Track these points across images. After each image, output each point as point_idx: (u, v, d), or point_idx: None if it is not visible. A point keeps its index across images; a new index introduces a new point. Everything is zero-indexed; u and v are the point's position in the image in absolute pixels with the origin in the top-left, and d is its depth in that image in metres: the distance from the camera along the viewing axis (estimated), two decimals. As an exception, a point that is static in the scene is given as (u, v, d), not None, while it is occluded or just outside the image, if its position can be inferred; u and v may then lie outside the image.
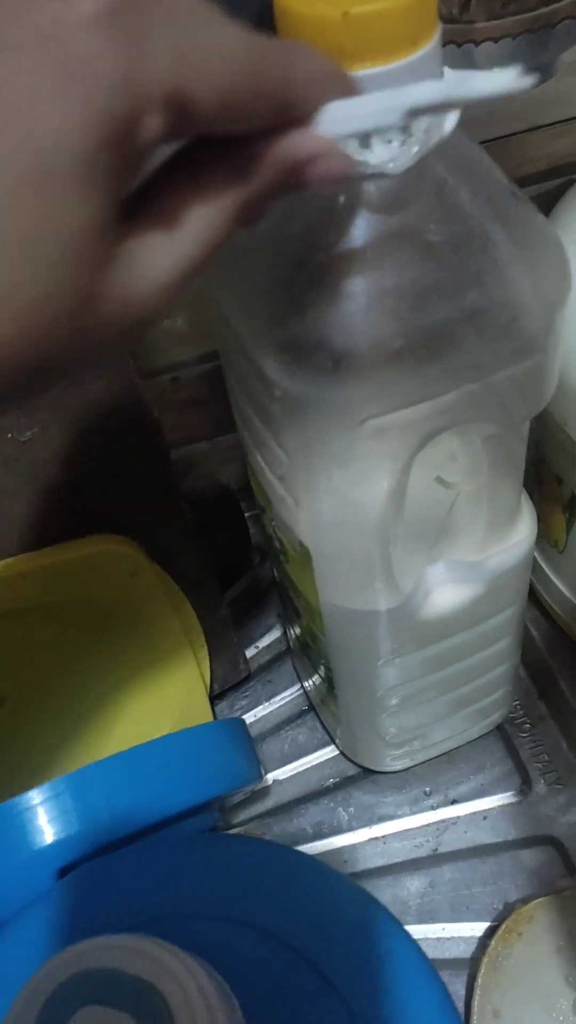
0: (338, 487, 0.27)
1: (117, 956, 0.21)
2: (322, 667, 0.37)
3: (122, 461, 0.36)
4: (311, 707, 0.45)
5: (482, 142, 0.39)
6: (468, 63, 0.34)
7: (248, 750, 0.35)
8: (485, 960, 0.35)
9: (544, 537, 0.41)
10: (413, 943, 0.26)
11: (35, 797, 0.29)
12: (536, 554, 0.43)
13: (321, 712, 0.44)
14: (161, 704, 0.41)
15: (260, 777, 0.35)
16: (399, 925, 0.27)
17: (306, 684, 0.45)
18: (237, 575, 0.49)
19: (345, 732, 0.41)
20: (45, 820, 0.29)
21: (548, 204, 0.39)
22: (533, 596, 0.45)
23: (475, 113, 0.37)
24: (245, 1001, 0.23)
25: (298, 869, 0.29)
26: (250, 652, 0.47)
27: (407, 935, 0.27)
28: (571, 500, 0.38)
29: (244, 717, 0.45)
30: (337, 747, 0.43)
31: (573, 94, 0.38)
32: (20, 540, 0.36)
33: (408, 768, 0.42)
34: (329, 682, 0.37)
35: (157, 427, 0.36)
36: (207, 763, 0.32)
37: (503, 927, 0.36)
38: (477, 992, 0.35)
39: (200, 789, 0.32)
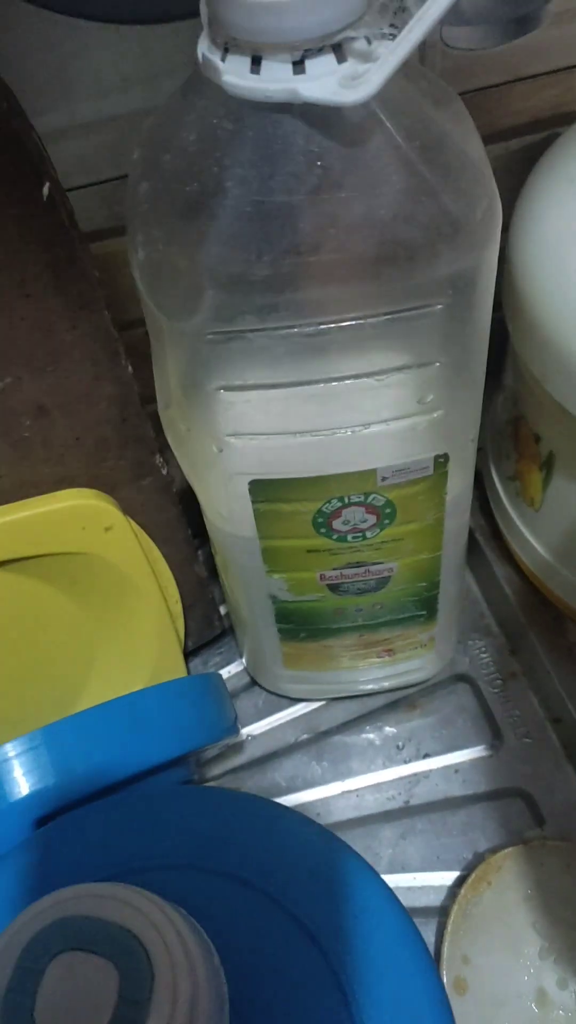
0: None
1: (96, 904, 0.21)
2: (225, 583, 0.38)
3: (95, 414, 0.36)
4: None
5: (462, 93, 0.38)
6: (454, 15, 0.33)
7: (224, 704, 0.35)
8: (455, 908, 0.36)
9: (520, 495, 0.41)
10: (388, 890, 0.27)
11: (10, 750, 0.29)
12: (511, 512, 0.43)
13: (235, 628, 0.44)
14: (135, 660, 0.41)
15: (237, 731, 0.35)
16: (374, 872, 0.27)
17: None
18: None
19: (247, 649, 0.42)
20: (21, 772, 0.29)
21: (531, 159, 0.38)
22: (507, 553, 0.45)
23: (456, 63, 0.37)
24: (223, 948, 0.23)
25: (274, 818, 0.29)
26: (225, 608, 0.47)
27: (382, 882, 0.27)
28: (549, 458, 0.38)
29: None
30: (245, 667, 0.45)
31: (558, 45, 0.38)
32: (-8, 493, 0.36)
33: (323, 701, 0.43)
34: (236, 608, 0.38)
35: (129, 378, 0.36)
36: (183, 717, 0.32)
37: (473, 876, 0.37)
38: (447, 939, 0.36)
39: (176, 743, 0.32)
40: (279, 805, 0.29)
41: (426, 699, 0.43)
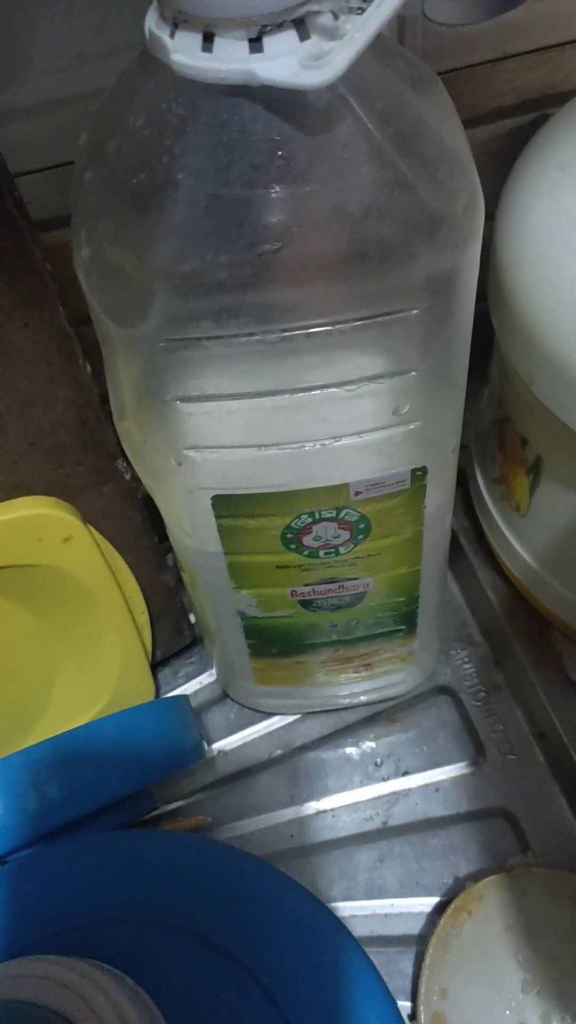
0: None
1: (26, 986, 0.19)
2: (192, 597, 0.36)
3: (51, 418, 0.33)
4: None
5: (447, 71, 0.36)
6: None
7: (190, 730, 0.32)
8: (433, 939, 0.34)
9: (506, 500, 0.39)
10: (358, 949, 0.25)
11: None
12: (496, 516, 0.41)
13: (204, 640, 0.42)
14: (98, 676, 0.39)
15: (202, 756, 0.33)
16: (342, 927, 0.25)
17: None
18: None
19: (217, 662, 0.41)
20: (-36, 813, 0.27)
21: (518, 143, 0.36)
22: (491, 558, 0.43)
23: (439, 40, 0.35)
24: (175, 1012, 0.21)
25: (234, 868, 0.27)
26: (194, 616, 0.45)
27: (351, 939, 0.25)
28: (536, 462, 0.36)
29: (189, 684, 0.43)
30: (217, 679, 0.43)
31: (548, 20, 0.35)
32: None
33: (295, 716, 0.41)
34: (204, 622, 0.36)
35: (88, 379, 0.33)
36: (145, 746, 0.30)
37: (453, 906, 0.35)
38: (425, 971, 0.34)
39: (137, 775, 0.30)
40: (239, 852, 0.27)
41: (406, 712, 0.41)
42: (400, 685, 0.40)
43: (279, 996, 0.23)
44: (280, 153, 0.21)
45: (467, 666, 0.42)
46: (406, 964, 0.36)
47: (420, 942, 0.36)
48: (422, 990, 0.34)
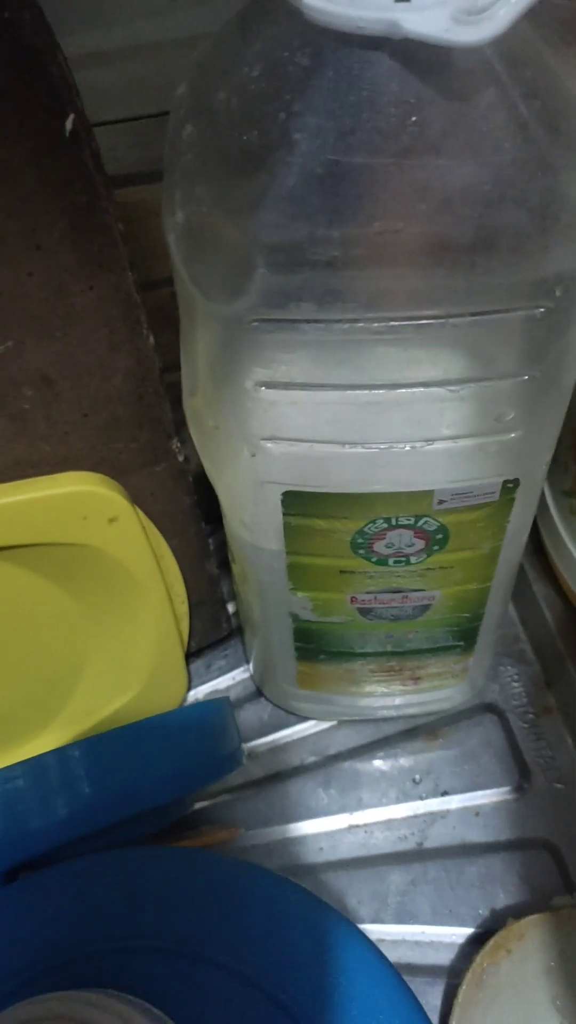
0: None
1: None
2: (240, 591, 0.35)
3: (108, 389, 0.31)
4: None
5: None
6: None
7: (230, 737, 0.30)
8: (468, 975, 0.32)
9: (574, 514, 0.37)
10: (392, 973, 0.23)
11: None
12: (561, 530, 0.38)
13: (244, 635, 0.40)
14: (132, 662, 0.37)
15: (240, 763, 0.31)
16: (375, 951, 0.23)
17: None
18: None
19: (256, 660, 0.39)
20: (-8, 812, 0.25)
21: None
22: (550, 572, 0.41)
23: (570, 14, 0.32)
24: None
25: (258, 890, 0.25)
26: (234, 607, 0.43)
27: (385, 964, 0.23)
28: (617, 478, 0.33)
29: (221, 678, 0.41)
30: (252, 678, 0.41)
31: None
32: (-17, 471, 0.31)
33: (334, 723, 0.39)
34: (249, 617, 0.34)
35: (151, 350, 0.31)
36: (184, 754, 0.28)
37: (492, 943, 0.33)
38: (457, 1009, 0.32)
39: (174, 784, 0.28)
40: (262, 872, 0.25)
41: (449, 729, 0.39)
42: (447, 701, 0.38)
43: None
44: (413, 119, 0.18)
45: (516, 685, 0.40)
46: (433, 996, 0.34)
47: (450, 974, 0.34)
48: (452, 1028, 0.32)
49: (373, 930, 0.35)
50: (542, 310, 0.21)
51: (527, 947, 0.33)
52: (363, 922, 0.35)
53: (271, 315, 0.21)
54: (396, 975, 0.23)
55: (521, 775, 0.38)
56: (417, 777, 0.38)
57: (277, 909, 0.23)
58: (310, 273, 0.20)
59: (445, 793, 0.38)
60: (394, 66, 0.18)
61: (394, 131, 0.18)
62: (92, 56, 0.30)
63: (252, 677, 0.40)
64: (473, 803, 0.38)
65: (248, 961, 0.22)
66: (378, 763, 0.39)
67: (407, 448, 0.24)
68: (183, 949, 0.22)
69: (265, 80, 0.19)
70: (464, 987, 0.32)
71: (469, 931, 0.35)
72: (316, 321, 0.21)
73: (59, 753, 0.27)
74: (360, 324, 0.21)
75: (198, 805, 0.37)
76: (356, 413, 0.23)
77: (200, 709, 0.30)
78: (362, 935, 0.23)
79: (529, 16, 0.20)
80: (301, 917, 0.23)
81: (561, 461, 0.38)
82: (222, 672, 0.41)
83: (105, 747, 0.27)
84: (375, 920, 0.35)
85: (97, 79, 0.30)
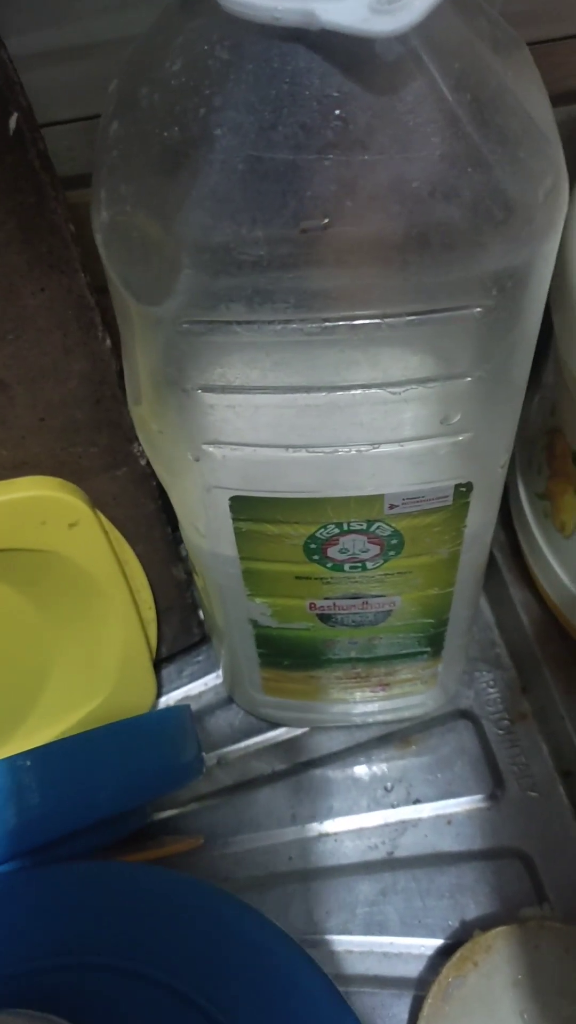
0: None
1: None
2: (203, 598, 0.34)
3: (63, 393, 0.31)
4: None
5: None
6: None
7: (189, 746, 0.30)
8: (434, 988, 0.32)
9: (550, 518, 0.36)
10: (332, 992, 0.22)
11: None
12: (536, 533, 0.38)
13: (212, 641, 0.40)
14: (98, 669, 0.36)
15: (199, 775, 0.30)
16: (316, 970, 0.23)
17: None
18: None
19: (224, 666, 0.38)
20: None
21: (598, 126, 0.33)
22: (527, 576, 0.40)
23: (521, 7, 0.31)
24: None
25: (198, 905, 0.24)
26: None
27: (326, 983, 0.22)
28: (587, 482, 0.32)
29: (193, 684, 0.41)
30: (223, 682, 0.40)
31: None
32: None
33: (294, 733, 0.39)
34: (213, 623, 0.34)
35: (107, 353, 0.31)
36: (141, 763, 0.28)
37: (458, 955, 0.32)
38: (422, 1022, 0.31)
39: (130, 793, 0.27)
40: (204, 886, 0.25)
41: (422, 735, 0.39)
42: (419, 707, 0.37)
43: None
44: (337, 113, 0.18)
45: (492, 691, 0.39)
46: (400, 1009, 0.33)
47: (418, 986, 0.33)
48: (417, 1042, 0.31)
49: (341, 941, 0.34)
50: (481, 309, 0.20)
51: (494, 960, 0.32)
52: (331, 933, 0.35)
53: (202, 316, 0.20)
54: (336, 994, 0.22)
55: (495, 783, 0.37)
56: (389, 785, 0.38)
57: (217, 925, 0.23)
58: (238, 274, 0.19)
59: (417, 801, 0.37)
60: (315, 58, 0.17)
61: (317, 126, 0.18)
62: (42, 55, 0.29)
63: (223, 683, 0.40)
64: (445, 811, 0.37)
65: (186, 978, 0.21)
66: (349, 770, 0.38)
67: (352, 452, 0.23)
68: (118, 965, 0.21)
69: (186, 74, 0.18)
70: (430, 1000, 0.32)
71: (439, 942, 0.34)
72: (248, 322, 0.20)
73: (8, 762, 0.26)
74: (293, 325, 0.20)
75: (165, 814, 0.37)
76: (296, 416, 0.22)
77: (157, 717, 0.29)
78: (303, 953, 0.23)
79: (463, 8, 0.19)
80: (241, 933, 0.23)
81: (535, 463, 0.37)
82: (194, 678, 0.41)
83: (55, 756, 0.27)
84: (343, 931, 0.35)
85: (46, 79, 0.29)
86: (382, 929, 0.35)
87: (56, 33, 0.29)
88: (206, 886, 0.24)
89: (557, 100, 0.34)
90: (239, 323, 0.20)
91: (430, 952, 0.34)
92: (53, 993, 0.20)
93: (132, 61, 0.21)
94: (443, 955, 0.34)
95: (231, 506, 0.25)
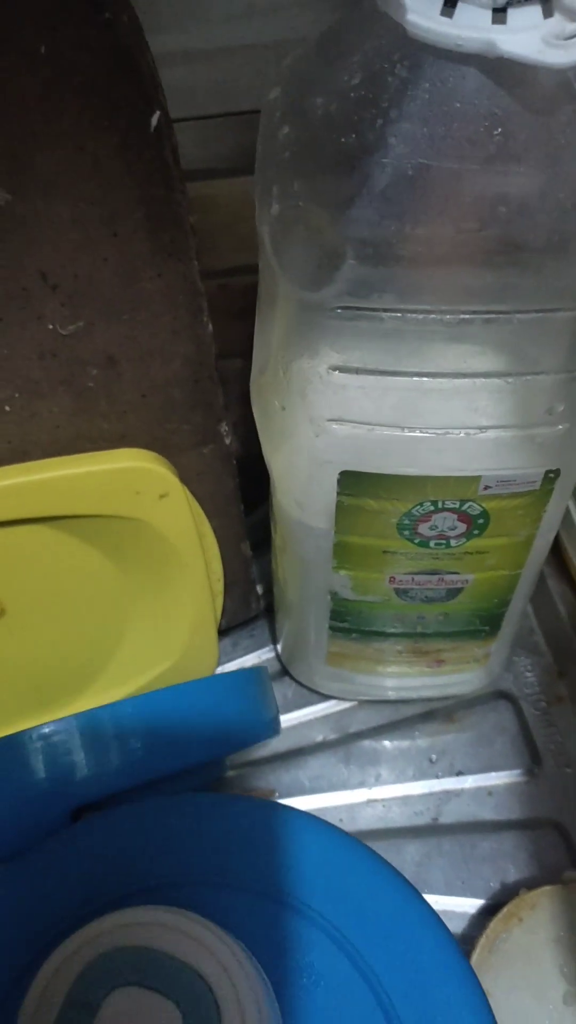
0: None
1: (158, 934, 0.19)
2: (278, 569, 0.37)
3: (167, 373, 0.33)
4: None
5: None
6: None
7: (269, 702, 0.32)
8: (482, 940, 0.34)
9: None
10: (451, 938, 0.25)
11: (48, 733, 0.27)
12: (572, 508, 0.40)
13: (277, 613, 0.42)
14: (169, 635, 0.39)
15: (278, 732, 0.33)
16: (434, 913, 0.25)
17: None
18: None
19: (287, 637, 0.40)
20: (55, 759, 0.27)
21: None
22: (565, 569, 0.43)
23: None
24: (274, 983, 0.21)
25: (323, 838, 0.27)
26: (262, 589, 0.44)
27: (444, 927, 0.25)
28: None
29: (247, 657, 0.43)
30: (277, 655, 0.43)
31: None
32: (46, 443, 0.33)
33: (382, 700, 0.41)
34: (285, 594, 0.36)
35: (209, 337, 0.33)
36: (228, 715, 0.30)
37: (505, 910, 0.35)
38: (469, 972, 0.34)
39: (220, 742, 0.29)
40: (306, 815, 0.27)
41: (464, 713, 0.41)
42: (465, 685, 0.40)
43: (372, 976, 0.23)
44: (499, 130, 0.20)
45: (529, 674, 0.42)
46: (446, 962, 0.35)
47: (462, 942, 0.36)
48: (464, 990, 0.33)
49: (390, 898, 0.37)
50: (601, 311, 0.23)
51: (538, 917, 0.35)
52: (380, 891, 0.37)
53: (354, 303, 0.22)
54: (435, 915, 0.25)
55: (532, 759, 0.40)
56: (433, 757, 0.40)
57: (331, 853, 0.25)
58: (395, 266, 0.22)
59: (460, 773, 0.40)
60: (486, 81, 0.20)
61: (481, 140, 0.20)
62: (176, 56, 0.31)
63: (279, 655, 0.42)
64: (486, 783, 0.39)
65: (304, 897, 0.24)
66: (396, 742, 0.40)
67: (462, 435, 0.26)
68: (242, 884, 0.24)
69: (365, 88, 0.21)
70: (477, 951, 0.34)
71: (480, 902, 0.37)
72: (395, 311, 0.22)
73: (111, 708, 0.29)
74: (434, 316, 0.23)
75: (229, 773, 0.39)
76: (419, 399, 0.25)
77: (242, 675, 0.32)
78: (433, 911, 0.25)
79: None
80: (352, 860, 0.25)
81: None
82: (248, 651, 0.43)
83: (156, 704, 0.29)
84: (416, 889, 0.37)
85: (177, 78, 0.32)
86: (428, 888, 0.37)
87: (188, 36, 0.31)
88: (325, 823, 0.27)
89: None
90: (388, 311, 0.22)
91: (473, 911, 0.37)
92: (186, 903, 0.22)
93: (298, 72, 0.23)
94: (484, 914, 0.36)
95: (340, 481, 0.28)
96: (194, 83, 0.32)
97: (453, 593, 0.33)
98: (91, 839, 0.25)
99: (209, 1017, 0.18)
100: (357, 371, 0.24)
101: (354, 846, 0.26)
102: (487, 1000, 0.23)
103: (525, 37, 0.19)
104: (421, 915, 0.24)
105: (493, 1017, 0.23)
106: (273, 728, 0.32)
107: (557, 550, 0.43)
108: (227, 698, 0.30)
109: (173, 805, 0.26)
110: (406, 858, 0.38)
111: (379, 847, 0.38)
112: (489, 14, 0.19)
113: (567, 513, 0.42)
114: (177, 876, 0.24)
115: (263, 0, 0.31)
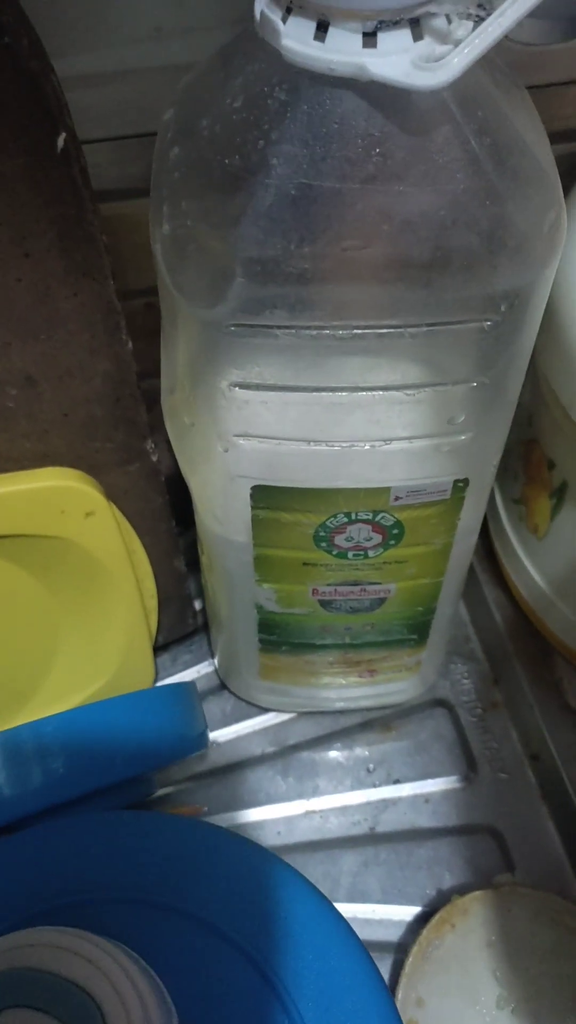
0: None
1: (45, 955, 0.19)
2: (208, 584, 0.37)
3: (87, 391, 0.33)
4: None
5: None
6: None
7: (196, 717, 0.32)
8: (415, 948, 0.34)
9: (524, 521, 0.39)
10: (360, 947, 0.25)
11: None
12: (511, 536, 0.41)
13: (211, 628, 0.42)
14: (102, 654, 0.39)
15: (206, 746, 0.33)
16: (345, 923, 0.25)
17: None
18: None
19: (221, 652, 0.41)
20: (-29, 779, 0.27)
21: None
22: (500, 577, 0.44)
23: (511, 58, 0.35)
24: (177, 998, 0.21)
25: (236, 853, 0.27)
26: (200, 604, 0.44)
27: (354, 936, 0.25)
28: (561, 487, 0.36)
29: (186, 672, 0.43)
30: (216, 669, 0.43)
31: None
32: (-34, 464, 0.33)
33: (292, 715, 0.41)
34: (216, 610, 0.36)
35: (128, 355, 0.33)
36: (153, 731, 0.30)
37: (437, 917, 0.35)
38: (403, 979, 0.34)
39: (144, 759, 0.29)
40: (239, 837, 0.27)
41: (401, 721, 0.41)
42: (401, 694, 0.40)
43: (282, 988, 0.23)
44: (377, 150, 0.21)
45: (466, 681, 0.43)
46: (383, 971, 0.36)
47: (398, 950, 0.36)
48: (399, 997, 0.34)
49: (327, 909, 0.37)
50: (490, 323, 0.23)
51: (470, 922, 0.35)
52: (317, 902, 0.37)
53: (247, 321, 0.23)
54: (345, 924, 0.25)
55: (468, 765, 0.40)
56: (371, 766, 0.40)
57: (243, 867, 0.25)
58: (283, 284, 0.22)
59: (397, 781, 0.40)
60: (361, 103, 0.20)
61: (360, 160, 0.21)
62: (83, 78, 0.32)
63: (216, 670, 0.42)
64: (423, 791, 0.40)
65: (215, 912, 0.24)
66: (334, 753, 0.41)
67: (367, 447, 0.26)
68: (154, 900, 0.24)
69: (246, 111, 0.21)
70: (410, 959, 0.34)
71: (417, 909, 0.37)
72: (288, 327, 0.23)
73: (33, 726, 0.29)
74: (327, 331, 0.23)
75: (162, 791, 0.39)
76: (321, 413, 0.25)
77: (169, 690, 0.32)
78: (344, 921, 0.25)
79: (482, 62, 0.22)
80: (265, 874, 0.25)
81: (511, 470, 0.41)
82: (187, 666, 0.43)
83: (78, 721, 0.29)
84: (329, 899, 0.37)
85: (86, 100, 0.32)
86: (364, 897, 0.37)
87: (95, 58, 0.32)
88: (232, 834, 0.27)
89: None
90: (280, 328, 0.23)
91: (409, 919, 0.37)
92: (95, 921, 0.22)
93: (189, 94, 0.23)
94: (421, 921, 0.37)
95: (252, 494, 0.28)
96: (106, 105, 0.33)
97: (377, 603, 0.33)
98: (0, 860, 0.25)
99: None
100: (258, 387, 0.25)
101: (267, 858, 0.26)
102: (395, 1007, 0.23)
103: (395, 60, 0.20)
104: (331, 925, 0.24)
105: (401, 1022, 0.23)
106: (200, 743, 0.32)
107: (492, 556, 0.44)
108: (150, 714, 0.31)
109: (87, 823, 0.26)
110: (343, 868, 0.38)
111: (316, 858, 0.38)
112: (360, 38, 0.20)
113: (499, 520, 0.42)
114: (90, 894, 0.24)
115: (170, 22, 0.31)
